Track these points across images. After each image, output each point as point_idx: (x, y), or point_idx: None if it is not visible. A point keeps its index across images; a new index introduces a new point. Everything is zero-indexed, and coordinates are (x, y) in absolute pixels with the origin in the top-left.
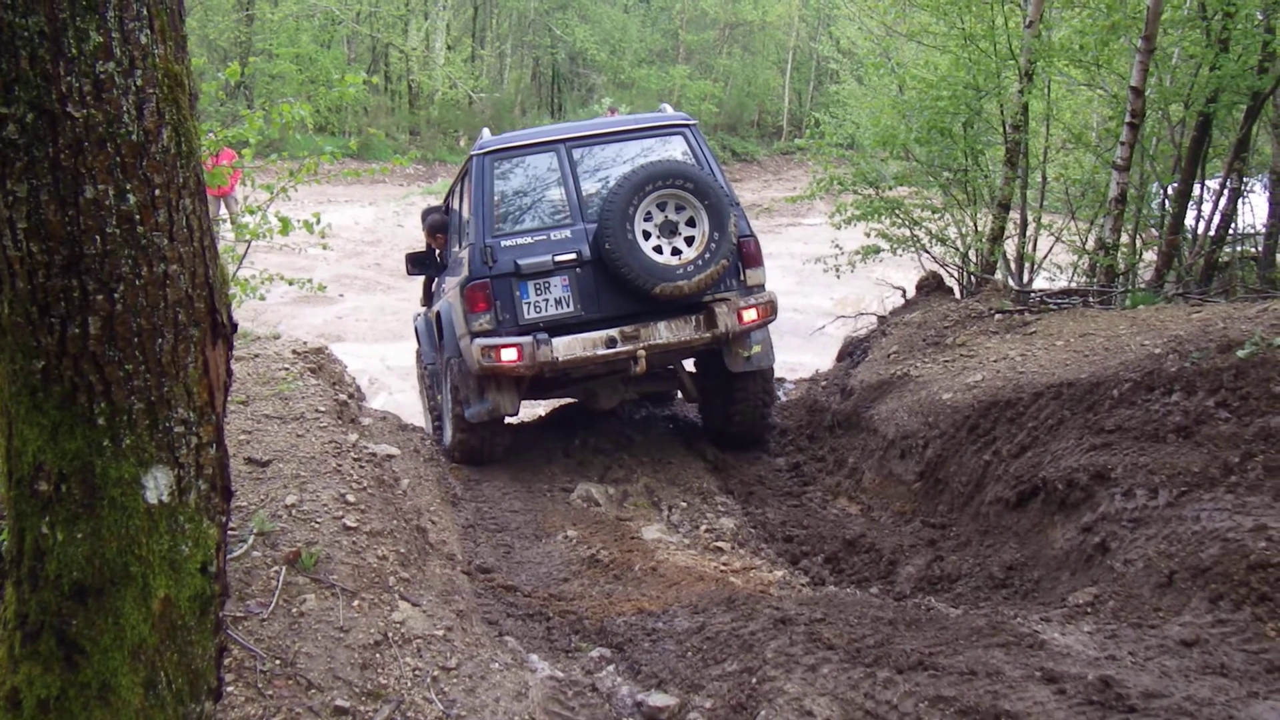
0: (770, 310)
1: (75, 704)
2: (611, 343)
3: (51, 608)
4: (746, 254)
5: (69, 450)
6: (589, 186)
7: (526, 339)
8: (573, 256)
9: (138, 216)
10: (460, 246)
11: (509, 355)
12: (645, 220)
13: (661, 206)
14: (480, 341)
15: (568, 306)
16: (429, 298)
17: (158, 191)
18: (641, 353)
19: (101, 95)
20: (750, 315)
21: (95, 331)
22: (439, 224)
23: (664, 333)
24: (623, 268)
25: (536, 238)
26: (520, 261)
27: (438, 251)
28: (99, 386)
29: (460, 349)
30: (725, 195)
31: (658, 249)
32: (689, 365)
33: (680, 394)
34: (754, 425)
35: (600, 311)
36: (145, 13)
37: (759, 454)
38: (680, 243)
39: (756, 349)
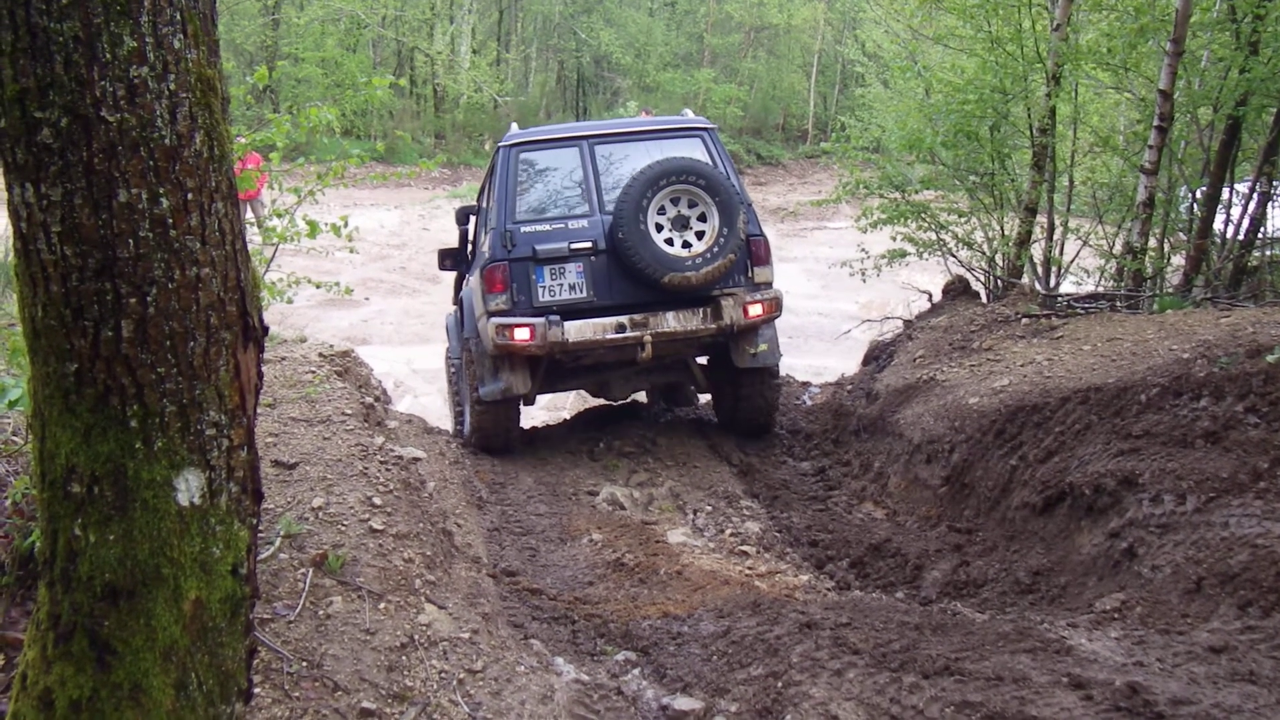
0: (775, 306)
1: (107, 704)
2: (621, 329)
3: (84, 609)
4: (755, 253)
5: (101, 452)
6: (608, 181)
7: (539, 320)
8: (589, 245)
9: (170, 220)
10: (485, 235)
11: (522, 335)
12: (659, 214)
13: (675, 201)
14: (495, 320)
15: (581, 292)
16: (459, 295)
17: (190, 195)
18: (648, 339)
19: (135, 100)
20: (756, 310)
21: (128, 334)
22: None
23: (672, 322)
24: (634, 256)
25: (555, 225)
26: (538, 246)
27: (470, 249)
28: (131, 389)
29: (478, 329)
30: (736, 194)
31: (669, 241)
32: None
33: (692, 386)
34: (760, 417)
35: (612, 299)
36: (178, 17)
37: (784, 458)
38: (691, 236)
39: (763, 347)
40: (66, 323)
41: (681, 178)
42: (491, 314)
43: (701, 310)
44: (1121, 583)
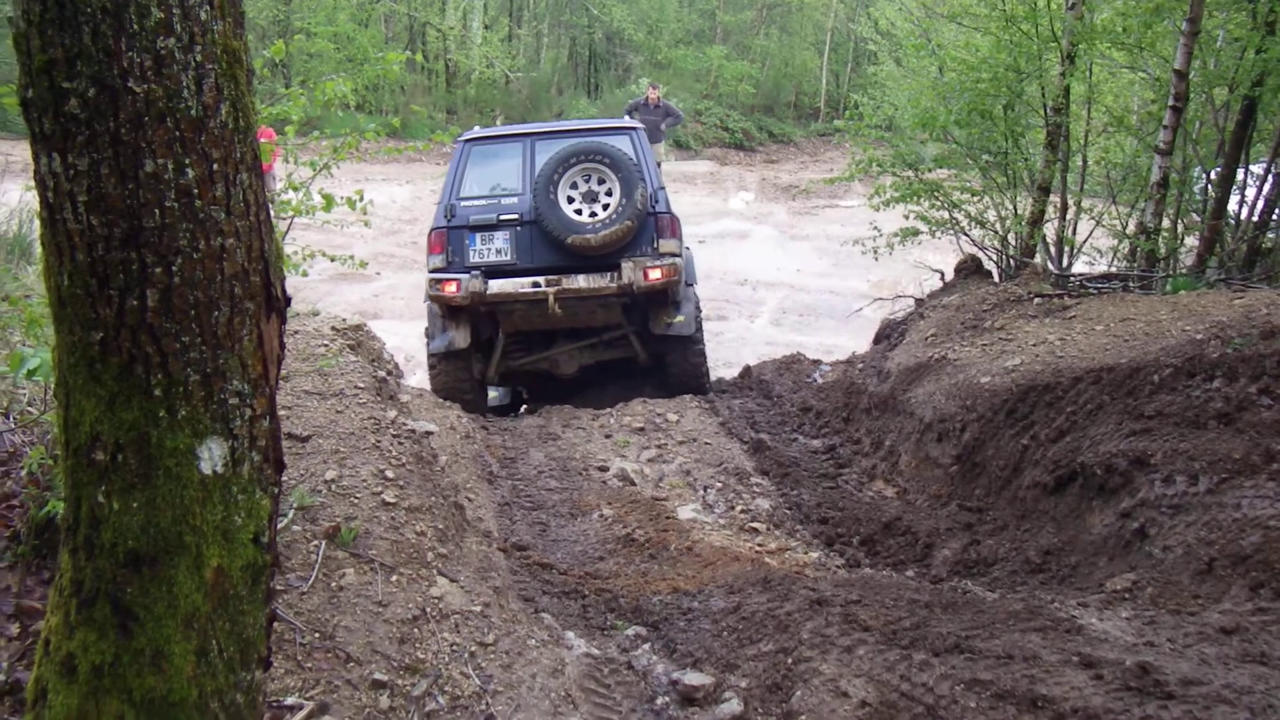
0: (674, 272)
1: (129, 670)
2: (535, 285)
3: (107, 575)
4: (660, 226)
5: (125, 421)
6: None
7: (465, 275)
8: (515, 216)
9: (196, 190)
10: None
11: (451, 288)
12: (571, 188)
13: (586, 178)
14: (431, 276)
15: (506, 255)
16: None
17: (216, 166)
18: (552, 293)
19: (162, 71)
20: (655, 274)
21: (153, 304)
22: None
23: (580, 282)
24: (544, 221)
25: (490, 201)
26: (473, 217)
27: None
28: (156, 358)
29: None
30: (638, 171)
31: (578, 211)
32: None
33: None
34: (688, 381)
35: (532, 262)
36: None
37: (795, 435)
38: (598, 208)
39: (679, 319)
40: (92, 292)
41: (589, 156)
42: (431, 272)
43: (608, 274)
44: (1133, 563)
